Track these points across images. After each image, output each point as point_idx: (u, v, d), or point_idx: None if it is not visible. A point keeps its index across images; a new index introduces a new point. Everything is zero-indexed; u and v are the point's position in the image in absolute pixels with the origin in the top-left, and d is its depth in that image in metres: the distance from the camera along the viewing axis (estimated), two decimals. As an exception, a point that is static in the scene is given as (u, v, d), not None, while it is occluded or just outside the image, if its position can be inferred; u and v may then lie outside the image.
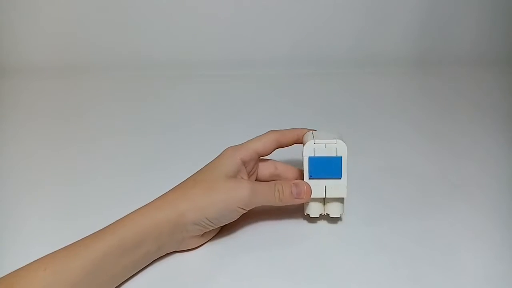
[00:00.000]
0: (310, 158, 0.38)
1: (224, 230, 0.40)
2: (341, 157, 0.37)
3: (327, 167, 0.38)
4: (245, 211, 0.37)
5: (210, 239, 0.39)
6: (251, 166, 0.41)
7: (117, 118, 0.65)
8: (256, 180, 0.43)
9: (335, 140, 0.37)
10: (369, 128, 0.62)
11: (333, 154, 0.37)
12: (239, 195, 0.35)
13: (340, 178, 0.38)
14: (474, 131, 0.61)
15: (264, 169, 0.42)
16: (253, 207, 0.37)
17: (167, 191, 0.37)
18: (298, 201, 0.38)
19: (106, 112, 0.67)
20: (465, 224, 0.42)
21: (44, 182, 0.49)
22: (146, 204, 0.36)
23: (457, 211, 0.44)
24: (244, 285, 0.35)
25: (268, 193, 0.37)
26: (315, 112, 0.67)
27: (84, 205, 0.46)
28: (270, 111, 0.67)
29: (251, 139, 0.41)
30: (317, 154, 0.38)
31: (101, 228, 0.34)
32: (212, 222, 0.36)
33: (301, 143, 0.40)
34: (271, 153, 0.41)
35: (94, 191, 0.48)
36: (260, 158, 0.41)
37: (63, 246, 0.32)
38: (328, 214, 0.40)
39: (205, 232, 0.37)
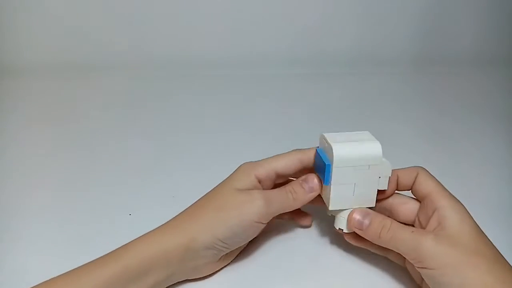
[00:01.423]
0: (317, 149, 0.35)
1: (241, 253, 0.37)
2: (328, 164, 0.33)
3: (320, 167, 0.34)
4: (263, 225, 0.34)
5: (227, 265, 0.36)
6: (268, 186, 0.36)
7: (117, 118, 0.65)
8: None
9: (331, 146, 0.33)
10: (368, 128, 0.62)
11: (328, 158, 0.34)
12: (253, 208, 0.32)
13: (327, 185, 0.34)
14: (474, 131, 0.61)
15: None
16: (271, 218, 0.34)
17: (177, 214, 0.34)
18: (312, 196, 0.35)
19: (106, 112, 0.67)
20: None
21: (44, 183, 0.49)
22: (154, 229, 0.33)
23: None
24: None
25: (282, 198, 0.34)
26: (315, 112, 0.67)
27: (84, 205, 0.46)
28: (270, 111, 0.67)
29: (272, 156, 0.36)
30: (323, 150, 0.35)
31: (102, 248, 0.32)
32: (226, 243, 0.32)
33: None
34: (293, 174, 0.37)
35: (93, 192, 0.48)
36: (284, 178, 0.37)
37: (61, 272, 0.31)
38: None
39: (221, 257, 0.34)
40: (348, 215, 0.35)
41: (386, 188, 0.35)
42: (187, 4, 0.83)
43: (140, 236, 0.32)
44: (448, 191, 0.33)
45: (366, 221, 0.33)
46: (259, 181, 0.35)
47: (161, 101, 0.71)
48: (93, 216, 0.44)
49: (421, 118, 0.65)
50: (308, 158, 0.36)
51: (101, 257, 0.31)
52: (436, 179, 0.34)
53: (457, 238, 0.30)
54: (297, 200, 0.35)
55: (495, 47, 0.88)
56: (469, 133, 0.61)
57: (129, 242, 0.32)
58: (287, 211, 0.35)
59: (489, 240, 0.31)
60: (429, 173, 0.35)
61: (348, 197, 0.34)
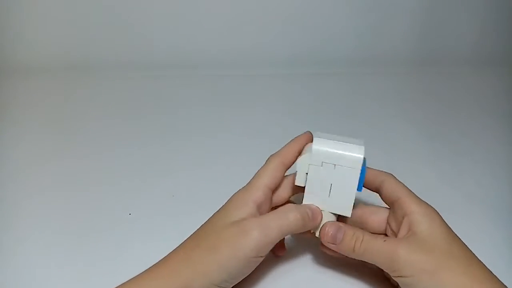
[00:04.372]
0: (362, 169, 0.33)
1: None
2: (363, 167, 0.33)
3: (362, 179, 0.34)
4: (262, 258, 0.31)
5: None
6: (268, 206, 0.34)
7: (117, 118, 0.65)
8: None
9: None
10: (369, 128, 0.62)
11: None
12: (248, 242, 0.29)
13: (360, 191, 0.34)
14: (474, 131, 0.61)
15: (276, 197, 0.35)
16: (271, 247, 0.31)
17: (169, 253, 0.32)
18: (313, 223, 0.33)
19: (105, 112, 0.67)
20: (465, 224, 0.42)
21: (44, 183, 0.49)
22: (144, 272, 0.30)
23: (457, 211, 0.44)
24: None
25: (281, 221, 0.31)
26: (315, 112, 0.67)
27: (84, 205, 0.46)
28: (270, 111, 0.67)
29: (256, 175, 0.34)
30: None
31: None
32: (221, 287, 0.30)
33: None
34: (281, 181, 0.35)
35: (93, 191, 0.48)
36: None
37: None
38: None
39: None
40: (321, 228, 0.34)
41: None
42: (187, 4, 0.83)
43: (130, 280, 0.30)
44: (417, 197, 0.34)
45: (340, 235, 0.33)
46: (259, 207, 0.32)
47: (161, 101, 0.71)
48: (93, 215, 0.44)
49: (421, 118, 0.65)
50: (286, 157, 0.35)
51: None
52: (404, 185, 0.34)
53: (429, 243, 0.30)
54: (308, 223, 0.32)
55: (494, 47, 0.88)
56: (470, 133, 0.61)
57: (118, 286, 0.29)
58: (287, 235, 0.32)
59: (461, 241, 0.31)
60: (397, 179, 0.35)
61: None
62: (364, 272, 0.36)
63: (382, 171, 0.36)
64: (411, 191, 0.34)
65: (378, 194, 0.37)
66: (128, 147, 0.57)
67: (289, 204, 0.34)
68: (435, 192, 0.47)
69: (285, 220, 0.31)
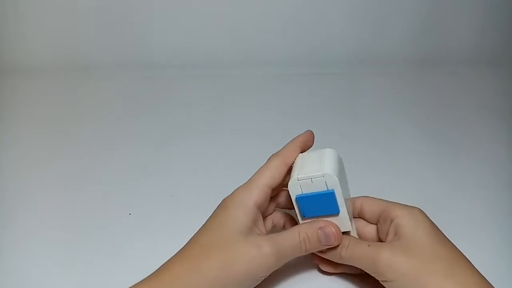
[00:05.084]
0: (298, 198, 0.33)
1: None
2: (332, 191, 0.31)
3: (320, 204, 0.32)
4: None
5: None
6: (265, 206, 0.34)
7: (117, 118, 0.65)
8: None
9: (322, 173, 0.31)
10: (368, 128, 0.62)
11: (324, 189, 0.32)
12: (263, 265, 0.30)
13: (338, 214, 0.32)
14: (474, 131, 0.61)
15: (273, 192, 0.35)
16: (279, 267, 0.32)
17: (170, 258, 0.32)
18: (327, 247, 0.33)
19: (105, 112, 0.67)
20: (465, 224, 0.42)
21: (44, 183, 0.49)
22: (147, 278, 0.30)
23: (457, 211, 0.44)
24: None
25: (293, 247, 0.32)
26: (315, 112, 0.67)
27: (84, 205, 0.46)
28: (270, 111, 0.67)
29: (256, 173, 0.34)
30: (305, 191, 0.32)
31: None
32: None
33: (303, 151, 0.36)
34: (281, 181, 0.35)
35: (94, 191, 0.48)
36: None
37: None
38: None
39: None
40: None
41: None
42: (187, 4, 0.83)
43: (134, 285, 0.30)
44: (400, 203, 0.34)
45: None
46: (259, 207, 0.33)
47: (161, 101, 0.71)
48: (93, 215, 0.44)
49: (421, 118, 0.65)
50: (288, 157, 0.35)
51: None
52: (382, 199, 0.35)
53: (412, 246, 0.30)
54: (309, 251, 0.33)
55: (494, 47, 0.88)
56: (470, 133, 0.61)
57: None
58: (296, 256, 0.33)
59: (448, 241, 0.31)
60: (373, 197, 0.35)
61: (347, 214, 0.33)
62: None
63: (356, 197, 0.36)
64: (392, 201, 0.34)
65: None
66: (128, 147, 0.57)
67: (304, 226, 0.33)
68: (435, 192, 0.47)
69: (298, 246, 0.32)
